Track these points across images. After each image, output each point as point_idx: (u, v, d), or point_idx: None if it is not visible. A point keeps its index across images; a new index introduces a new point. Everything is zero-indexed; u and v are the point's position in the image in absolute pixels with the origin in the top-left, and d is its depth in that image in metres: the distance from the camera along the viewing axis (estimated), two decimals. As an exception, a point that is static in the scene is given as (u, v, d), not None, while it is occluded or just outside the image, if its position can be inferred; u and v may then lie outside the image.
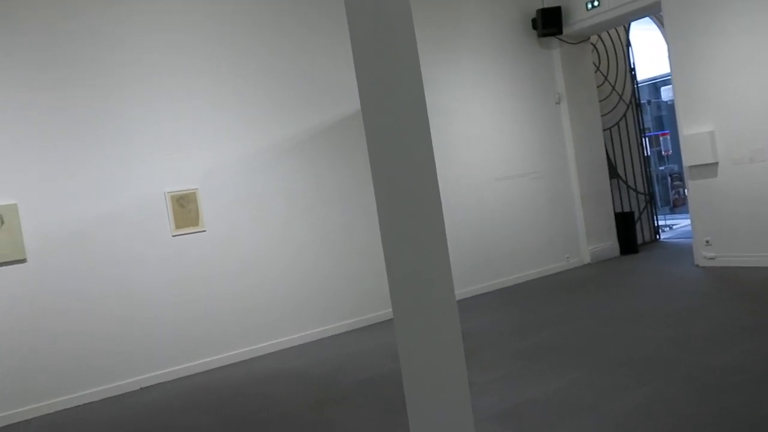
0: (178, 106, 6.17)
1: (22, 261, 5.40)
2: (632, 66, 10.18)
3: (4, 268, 5.32)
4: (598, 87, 9.55)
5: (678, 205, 12.66)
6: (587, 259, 9.04)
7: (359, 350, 6.00)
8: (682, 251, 8.80)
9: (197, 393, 5.38)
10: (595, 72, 9.58)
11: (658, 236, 10.35)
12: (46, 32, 5.60)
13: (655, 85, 13.62)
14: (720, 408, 3.50)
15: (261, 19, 6.72)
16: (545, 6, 8.79)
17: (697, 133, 7.35)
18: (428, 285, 1.92)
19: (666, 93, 13.15)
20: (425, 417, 1.95)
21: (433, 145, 1.97)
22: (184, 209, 6.13)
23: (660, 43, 10.34)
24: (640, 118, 10.36)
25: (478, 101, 8.28)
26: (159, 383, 5.83)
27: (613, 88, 9.91)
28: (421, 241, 1.91)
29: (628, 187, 9.95)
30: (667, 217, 12.11)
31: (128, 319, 5.80)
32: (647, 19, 10.19)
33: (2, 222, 5.32)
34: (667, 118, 13.34)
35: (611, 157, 9.71)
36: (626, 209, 9.77)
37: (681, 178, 11.76)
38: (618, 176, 9.78)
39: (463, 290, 7.58)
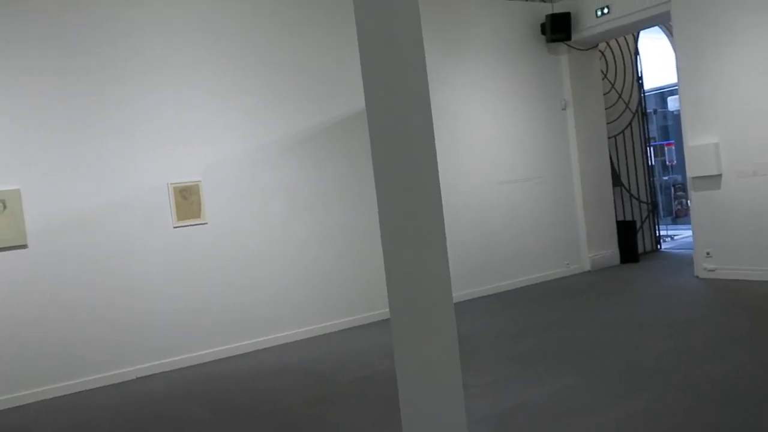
0: (183, 98, 6.18)
1: (23, 246, 5.41)
2: (640, 75, 10.17)
3: (4, 253, 5.34)
4: (604, 94, 9.54)
5: (680, 216, 12.64)
6: (587, 266, 9.04)
7: (357, 348, 6.01)
8: (682, 262, 8.80)
9: (193, 385, 5.39)
10: (603, 79, 9.57)
11: (659, 246, 10.34)
12: (51, 21, 5.61)
13: (662, 94, 13.60)
14: (714, 419, 3.50)
15: (268, 14, 6.73)
16: (555, 12, 8.79)
17: (702, 145, 7.35)
18: (426, 286, 1.92)
19: (672, 103, 13.13)
20: (418, 417, 1.96)
21: (437, 146, 1.98)
22: (187, 201, 6.15)
23: (668, 53, 10.32)
24: (645, 127, 10.35)
25: (483, 103, 8.28)
26: (155, 374, 5.84)
27: (620, 96, 9.90)
28: (420, 241, 1.92)
29: (631, 195, 9.95)
30: (669, 227, 12.09)
31: (127, 309, 5.81)
32: (656, 28, 10.17)
33: (5, 207, 5.34)
34: (672, 128, 13.31)
35: (615, 165, 9.70)
36: (628, 218, 9.76)
37: (684, 189, 11.75)
38: (621, 184, 9.78)
39: (462, 292, 7.58)
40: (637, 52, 10.20)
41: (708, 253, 7.49)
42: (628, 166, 9.99)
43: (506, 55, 8.52)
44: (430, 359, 1.94)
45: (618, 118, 9.84)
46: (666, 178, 12.98)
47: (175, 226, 6.09)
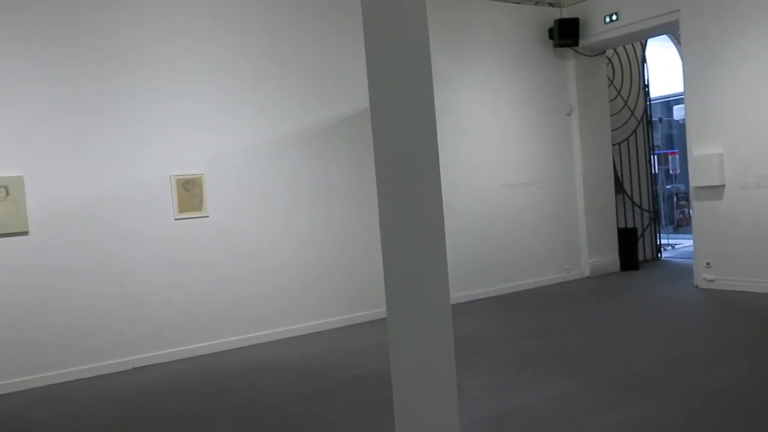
0: (188, 91, 6.18)
1: (24, 233, 5.42)
2: (646, 83, 10.16)
3: (5, 239, 5.35)
4: (610, 101, 9.53)
5: (682, 225, 12.62)
6: (587, 272, 9.03)
7: (353, 346, 6.01)
8: (682, 271, 8.79)
9: (188, 377, 5.39)
10: (609, 86, 9.56)
11: (659, 254, 10.33)
12: (57, 9, 5.61)
13: (668, 103, 13.58)
14: (711, 428, 3.50)
15: (275, 9, 6.73)
16: (563, 17, 8.78)
17: (706, 155, 7.34)
18: (424, 287, 1.92)
19: (678, 112, 13.10)
20: (412, 417, 1.96)
21: (441, 147, 1.97)
22: (189, 193, 6.15)
23: (676, 62, 10.30)
24: (650, 135, 10.34)
25: (488, 105, 8.27)
26: (151, 364, 5.85)
27: (626, 104, 9.89)
28: (419, 241, 1.92)
29: (633, 203, 9.94)
30: (670, 236, 12.07)
31: (125, 298, 5.82)
32: (665, 36, 10.16)
33: (7, 193, 5.34)
34: (677, 137, 13.29)
35: (618, 172, 9.69)
36: (630, 225, 9.75)
37: (687, 198, 11.73)
38: (624, 192, 9.77)
39: (460, 294, 7.58)
40: (644, 60, 10.19)
41: (708, 264, 7.48)
42: (632, 173, 9.98)
43: (513, 58, 8.51)
44: (426, 360, 1.94)
45: (623, 125, 9.83)
46: (669, 186, 12.96)
47: (177, 218, 6.09)
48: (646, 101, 10.19)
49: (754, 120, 6.95)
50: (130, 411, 4.61)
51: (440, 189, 1.96)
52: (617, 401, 4.03)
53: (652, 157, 10.40)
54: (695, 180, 7.51)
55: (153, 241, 5.97)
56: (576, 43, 8.72)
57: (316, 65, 6.91)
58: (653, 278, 8.57)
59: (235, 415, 4.33)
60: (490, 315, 7.03)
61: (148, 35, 6.01)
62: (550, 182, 8.79)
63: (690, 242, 9.13)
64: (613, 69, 9.76)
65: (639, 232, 9.81)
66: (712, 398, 3.97)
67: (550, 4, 8.87)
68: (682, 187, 12.73)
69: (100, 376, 5.60)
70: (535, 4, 8.73)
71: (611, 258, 9.27)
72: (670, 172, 12.95)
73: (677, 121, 13.24)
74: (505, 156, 8.38)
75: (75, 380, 5.50)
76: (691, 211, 7.90)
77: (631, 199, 9.91)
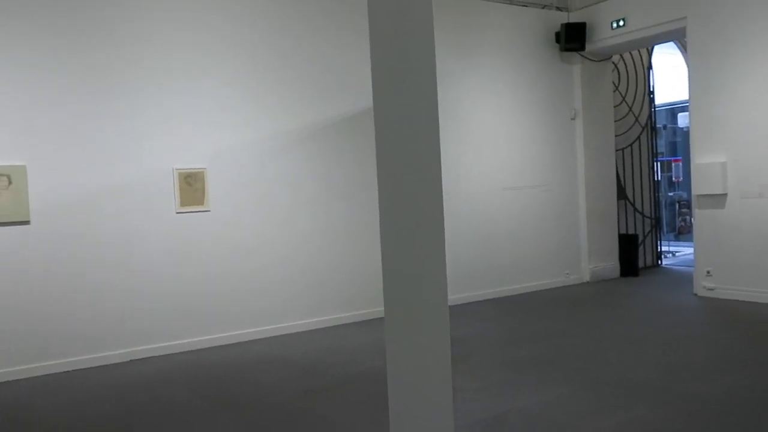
0: (192, 85, 6.19)
1: (26, 222, 5.43)
2: (651, 89, 10.15)
3: (6, 228, 5.36)
4: (615, 107, 9.53)
5: (683, 233, 12.61)
6: (587, 277, 9.02)
7: (351, 344, 6.01)
8: (682, 279, 8.78)
9: (186, 371, 5.40)
10: (614, 91, 9.55)
11: (660, 261, 10.32)
12: (63, 0, 5.63)
13: (673, 110, 13.57)
14: (702, 438, 3.50)
15: (282, 4, 6.73)
16: (570, 21, 8.77)
17: (709, 163, 7.33)
18: (422, 287, 1.93)
19: (683, 119, 13.10)
20: (407, 416, 1.96)
21: (443, 148, 1.98)
22: (191, 187, 6.16)
23: (681, 69, 10.29)
24: (654, 141, 10.33)
25: (492, 107, 8.27)
26: (148, 357, 5.86)
27: (630, 110, 9.88)
28: (419, 242, 1.92)
29: (635, 209, 9.93)
30: (671, 243, 12.06)
31: (124, 291, 5.83)
32: (671, 43, 10.15)
33: (10, 182, 5.35)
34: (681, 144, 13.28)
35: (621, 177, 9.68)
36: (631, 231, 9.74)
37: (689, 206, 11.71)
38: (626, 197, 9.76)
39: (459, 296, 7.58)
40: (650, 66, 10.18)
41: (708, 272, 7.47)
42: (634, 179, 9.97)
43: (519, 61, 8.51)
44: (422, 359, 1.94)
45: (627, 131, 9.82)
46: (671, 194, 12.95)
47: (178, 211, 6.10)
48: (650, 108, 10.18)
49: (758, 129, 6.94)
50: (128, 403, 4.61)
51: (441, 190, 1.97)
52: (614, 406, 4.03)
53: (655, 163, 10.39)
54: (697, 188, 7.50)
55: (154, 234, 5.98)
56: (582, 48, 8.72)
57: (321, 63, 6.90)
58: (653, 285, 8.56)
59: (232, 410, 4.33)
60: (489, 317, 7.03)
61: (154, 28, 6.01)
62: (552, 186, 8.78)
63: (691, 250, 9.13)
64: (619, 74, 9.75)
65: (640, 239, 9.81)
66: (710, 404, 3.97)
67: (558, 8, 8.87)
68: (684, 194, 12.72)
69: (98, 367, 5.61)
70: (542, 8, 8.72)
71: (611, 264, 9.26)
72: (673, 179, 12.94)
73: (681, 128, 13.23)
74: (508, 158, 8.37)
75: (74, 370, 5.52)
76: (692, 219, 7.89)
77: (633, 205, 9.90)
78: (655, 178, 10.46)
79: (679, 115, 13.32)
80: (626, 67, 9.85)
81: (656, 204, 10.44)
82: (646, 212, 10.15)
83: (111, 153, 5.80)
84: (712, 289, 7.43)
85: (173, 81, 6.09)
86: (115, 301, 5.79)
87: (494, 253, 8.17)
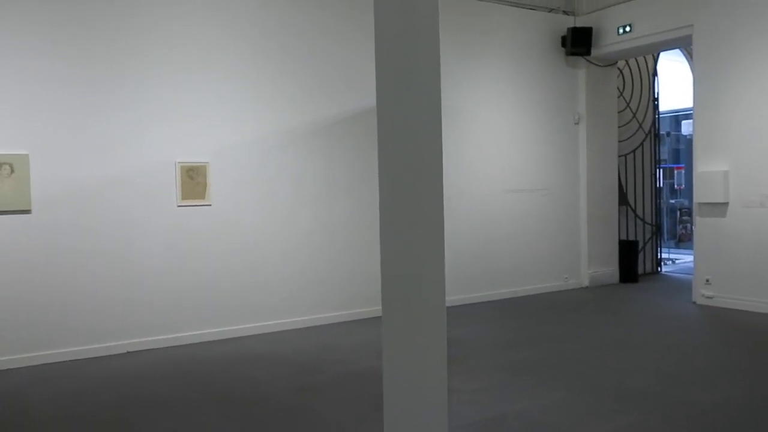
0: (196, 79, 6.19)
1: (27, 212, 5.44)
2: (656, 96, 10.14)
3: (8, 216, 5.36)
4: (619, 112, 9.52)
5: (683, 240, 12.60)
6: (586, 282, 9.02)
7: (349, 343, 6.02)
8: (681, 286, 8.78)
9: (183, 365, 5.41)
10: (618, 97, 9.55)
11: (659, 268, 10.32)
12: (78, -11, 5.64)
13: (677, 117, 13.55)
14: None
15: (287, 0, 6.73)
16: (577, 25, 8.77)
17: (711, 171, 7.33)
18: (420, 288, 1.93)
19: (686, 127, 13.08)
20: (401, 416, 1.96)
21: (446, 148, 1.98)
22: (193, 181, 6.16)
23: (686, 77, 10.28)
24: (657, 148, 10.32)
25: (496, 109, 8.27)
26: (146, 349, 5.87)
27: (634, 116, 9.87)
28: (418, 242, 1.92)
29: (636, 216, 9.93)
30: (672, 250, 12.06)
31: (123, 283, 5.84)
32: (677, 50, 10.14)
33: (12, 171, 5.36)
34: (684, 152, 13.27)
35: (623, 183, 9.68)
36: (631, 237, 9.74)
37: (690, 214, 11.70)
38: (627, 203, 9.75)
39: (458, 297, 7.59)
40: (655, 73, 10.17)
41: (707, 280, 7.47)
42: (636, 186, 9.96)
43: (524, 64, 8.50)
44: (418, 360, 1.95)
45: (630, 137, 9.82)
46: (673, 201, 12.94)
47: (179, 205, 6.11)
48: (654, 114, 10.17)
49: (761, 139, 6.93)
50: (124, 394, 4.62)
51: (442, 190, 1.97)
52: (611, 411, 4.03)
53: (657, 170, 10.38)
54: (699, 196, 7.50)
55: (154, 226, 5.99)
56: (588, 53, 8.71)
57: (326, 60, 6.90)
58: (652, 292, 8.56)
59: (226, 404, 4.34)
60: (486, 319, 7.03)
61: (159, 20, 6.01)
62: (553, 190, 8.78)
63: (691, 258, 9.12)
64: (624, 80, 9.74)
65: (640, 245, 9.80)
66: (707, 412, 3.97)
67: (565, 12, 8.86)
68: (686, 202, 12.71)
69: (95, 357, 5.62)
70: (549, 11, 8.72)
71: (611, 269, 9.26)
72: (675, 186, 12.93)
73: (685, 135, 13.22)
74: (510, 161, 8.37)
75: (71, 360, 5.53)
76: (693, 226, 7.89)
77: (634, 211, 9.90)
78: (657, 185, 10.46)
79: (683, 122, 13.31)
80: (631, 73, 9.84)
81: (657, 211, 10.43)
82: (647, 219, 10.15)
83: (113, 144, 5.80)
84: (710, 298, 7.43)
85: (175, 74, 6.09)
86: (115, 293, 5.80)
87: (494, 255, 8.17)
